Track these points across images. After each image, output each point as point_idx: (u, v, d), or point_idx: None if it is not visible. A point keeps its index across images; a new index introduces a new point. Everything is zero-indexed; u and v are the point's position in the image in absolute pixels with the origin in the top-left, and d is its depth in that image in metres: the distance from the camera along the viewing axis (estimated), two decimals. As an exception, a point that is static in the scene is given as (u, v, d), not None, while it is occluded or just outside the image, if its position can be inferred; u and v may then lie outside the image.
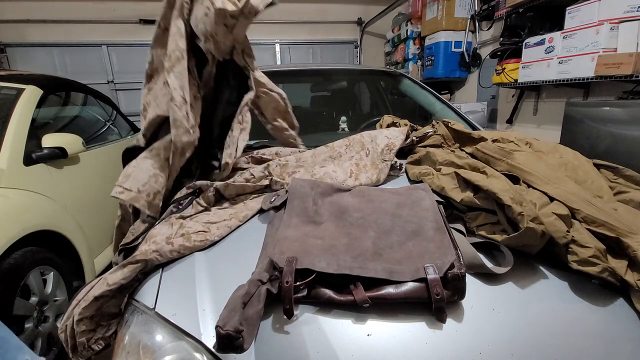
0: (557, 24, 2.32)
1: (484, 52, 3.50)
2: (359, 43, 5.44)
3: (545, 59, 2.32)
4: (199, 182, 0.97)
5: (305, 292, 0.63)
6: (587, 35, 2.01)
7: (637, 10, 1.81)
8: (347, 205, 0.85)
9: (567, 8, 2.16)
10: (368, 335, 0.59)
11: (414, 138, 1.26)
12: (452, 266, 0.62)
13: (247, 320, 0.56)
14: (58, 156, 1.84)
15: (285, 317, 0.61)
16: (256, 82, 1.17)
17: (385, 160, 1.12)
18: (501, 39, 2.88)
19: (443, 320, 0.60)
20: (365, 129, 1.56)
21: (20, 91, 1.92)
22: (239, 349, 0.54)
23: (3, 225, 1.41)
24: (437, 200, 0.85)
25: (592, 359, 0.57)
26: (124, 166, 0.97)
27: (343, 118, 1.92)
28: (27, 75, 2.23)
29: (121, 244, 0.89)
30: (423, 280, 0.61)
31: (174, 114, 0.93)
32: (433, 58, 3.83)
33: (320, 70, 2.30)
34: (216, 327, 0.54)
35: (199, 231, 0.82)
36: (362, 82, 2.56)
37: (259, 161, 1.17)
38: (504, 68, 2.74)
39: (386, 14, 4.71)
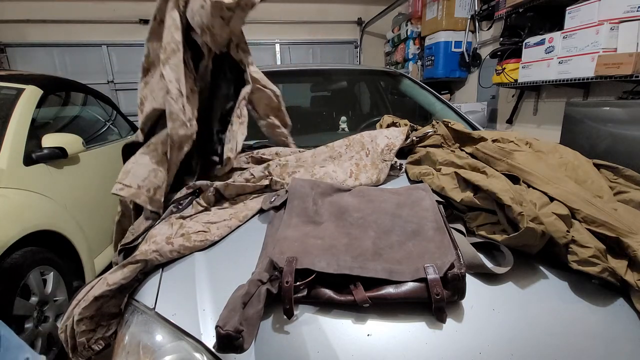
0: (557, 24, 2.32)
1: (484, 52, 3.50)
2: (359, 43, 5.44)
3: (545, 59, 2.32)
4: (199, 182, 0.96)
5: (305, 292, 0.63)
6: (587, 35, 2.01)
7: (637, 10, 1.81)
8: (347, 205, 0.85)
9: (567, 8, 2.16)
10: (368, 335, 0.59)
11: (414, 138, 1.26)
12: (452, 266, 0.62)
13: (247, 320, 0.56)
14: (58, 156, 1.84)
15: (285, 317, 0.61)
16: (251, 77, 1.17)
17: (385, 160, 1.12)
18: (501, 39, 2.88)
19: (443, 320, 0.60)
20: (365, 129, 1.56)
21: (20, 91, 1.92)
22: (239, 349, 0.54)
23: (3, 225, 1.41)
24: (437, 200, 0.85)
25: (592, 359, 0.57)
26: (124, 162, 0.96)
27: (343, 118, 1.92)
28: (27, 75, 2.23)
29: (121, 244, 0.89)
30: (423, 280, 0.61)
31: (170, 107, 0.91)
32: (433, 58, 3.83)
33: (320, 70, 2.30)
34: (216, 327, 0.54)
35: (199, 231, 0.82)
36: (362, 82, 2.56)
37: (259, 161, 1.17)
38: (504, 68, 2.74)
39: (386, 14, 4.71)
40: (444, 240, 0.70)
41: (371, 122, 1.79)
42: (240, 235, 0.87)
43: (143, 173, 0.91)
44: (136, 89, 1.02)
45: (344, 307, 0.63)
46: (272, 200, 0.92)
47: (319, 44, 5.31)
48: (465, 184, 0.86)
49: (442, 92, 4.01)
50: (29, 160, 1.72)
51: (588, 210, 0.73)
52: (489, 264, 0.70)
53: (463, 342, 0.58)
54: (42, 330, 1.57)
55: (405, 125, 1.45)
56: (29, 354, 0.92)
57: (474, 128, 1.68)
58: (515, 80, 2.64)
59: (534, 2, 2.40)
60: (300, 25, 5.11)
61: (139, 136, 1.01)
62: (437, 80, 3.94)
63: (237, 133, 1.08)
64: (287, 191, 0.92)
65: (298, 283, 0.61)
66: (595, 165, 0.97)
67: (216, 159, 1.12)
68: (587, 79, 2.04)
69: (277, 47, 5.18)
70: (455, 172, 0.90)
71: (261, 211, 0.94)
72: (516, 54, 2.66)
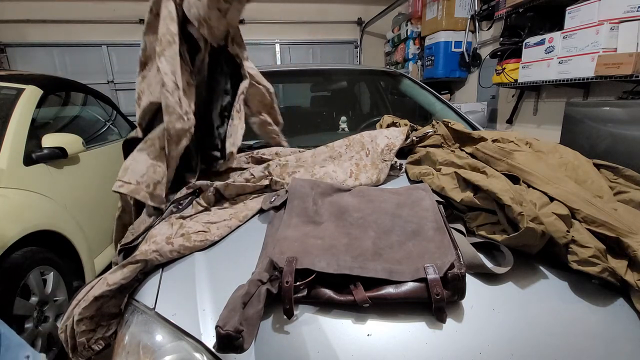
0: (557, 24, 2.32)
1: (484, 52, 3.50)
2: (359, 43, 5.44)
3: (545, 59, 2.32)
4: (199, 182, 0.96)
5: (305, 292, 0.63)
6: (587, 35, 2.01)
7: (637, 10, 1.81)
8: (347, 205, 0.85)
9: (567, 8, 2.16)
10: (368, 335, 0.59)
11: (414, 138, 1.26)
12: (452, 266, 0.62)
13: (247, 320, 0.56)
14: (58, 156, 1.84)
15: (285, 317, 0.61)
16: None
17: (385, 160, 1.12)
18: (501, 39, 2.88)
19: (443, 320, 0.60)
20: (365, 129, 1.56)
21: (20, 91, 1.92)
22: (239, 349, 0.54)
23: (3, 225, 1.41)
24: (437, 200, 0.85)
25: (592, 359, 0.57)
26: (125, 158, 0.96)
27: (343, 118, 1.92)
28: (27, 75, 2.23)
29: (121, 244, 0.89)
30: (423, 280, 0.61)
31: (166, 100, 0.90)
32: (433, 58, 3.83)
33: (320, 70, 2.30)
34: (216, 327, 0.54)
35: (199, 231, 0.82)
36: (362, 82, 2.56)
37: (259, 161, 1.17)
38: (504, 68, 2.74)
39: (386, 14, 4.71)
40: (444, 240, 0.70)
41: (371, 122, 1.79)
42: (240, 235, 0.87)
43: (141, 169, 0.91)
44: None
45: (344, 307, 0.63)
46: (272, 200, 0.92)
47: (319, 44, 5.31)
48: (465, 184, 0.86)
49: (442, 92, 4.01)
50: (29, 160, 1.72)
51: (588, 210, 0.73)
52: (489, 264, 0.70)
53: (463, 342, 0.58)
54: (42, 330, 1.57)
55: (405, 125, 1.45)
56: (29, 352, 0.93)
57: (474, 128, 1.68)
58: (515, 80, 2.64)
59: (534, 2, 2.40)
60: (300, 25, 5.11)
61: (138, 132, 1.00)
62: (437, 80, 3.94)
63: (237, 127, 1.07)
64: (287, 191, 0.92)
65: (298, 283, 0.61)
66: (595, 165, 0.97)
67: (217, 154, 1.11)
68: (587, 79, 2.04)
69: (277, 47, 5.18)
70: (455, 172, 0.90)
71: (261, 211, 0.94)
72: (516, 54, 2.66)
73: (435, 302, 0.59)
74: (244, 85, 1.12)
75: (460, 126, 1.22)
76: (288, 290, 0.60)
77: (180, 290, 0.70)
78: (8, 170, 1.60)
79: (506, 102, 3.23)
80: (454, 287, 0.61)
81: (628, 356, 0.58)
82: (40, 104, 1.97)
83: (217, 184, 0.95)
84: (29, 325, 1.49)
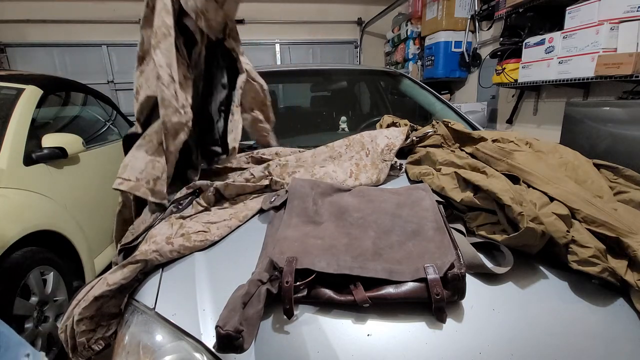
0: (557, 24, 2.32)
1: (484, 52, 3.50)
2: (359, 43, 5.44)
3: (545, 59, 2.32)
4: (199, 182, 0.96)
5: (305, 292, 0.63)
6: (587, 35, 2.01)
7: (637, 10, 1.81)
8: (347, 205, 0.85)
9: (567, 8, 2.16)
10: (368, 335, 0.59)
11: (414, 138, 1.26)
12: (452, 266, 0.62)
13: (247, 320, 0.56)
14: (58, 156, 1.84)
15: (285, 317, 0.61)
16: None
17: (385, 160, 1.12)
18: (501, 39, 2.88)
19: (443, 320, 0.60)
20: (365, 129, 1.56)
21: (20, 91, 1.92)
22: (239, 349, 0.54)
23: (3, 225, 1.41)
24: (437, 200, 0.85)
25: (592, 359, 0.57)
26: (125, 154, 0.95)
27: (343, 118, 1.92)
28: (27, 75, 2.23)
29: (121, 244, 0.89)
30: (423, 280, 0.61)
31: (162, 93, 0.89)
32: (433, 58, 3.83)
33: (320, 70, 2.30)
34: (216, 327, 0.54)
35: (199, 231, 0.82)
36: (362, 82, 2.56)
37: (259, 161, 1.17)
38: (504, 68, 2.75)
39: (386, 14, 4.71)
40: (444, 240, 0.70)
41: (371, 122, 1.79)
42: (240, 235, 0.87)
43: (140, 165, 0.90)
44: (136, 89, 1.01)
45: (344, 307, 0.63)
46: (272, 200, 0.92)
47: (319, 44, 5.31)
48: (465, 184, 0.86)
49: (442, 92, 4.01)
50: (29, 160, 1.72)
51: (588, 210, 0.73)
52: (489, 264, 0.70)
53: (463, 342, 0.58)
54: (42, 330, 1.57)
55: (405, 125, 1.45)
56: (29, 350, 0.93)
57: (474, 128, 1.68)
58: (515, 80, 2.64)
59: (534, 2, 2.40)
60: (300, 25, 5.11)
61: (137, 127, 1.00)
62: (437, 80, 3.94)
63: (238, 122, 1.07)
64: (287, 191, 0.92)
65: (298, 283, 0.61)
66: (595, 165, 0.97)
67: (217, 149, 1.11)
68: (587, 79, 2.04)
69: (277, 47, 5.18)
70: (455, 172, 0.90)
71: (261, 211, 0.94)
72: (516, 54, 2.66)
73: (435, 302, 0.59)
74: (241, 79, 1.11)
75: (460, 126, 1.22)
76: (288, 290, 0.60)
77: (180, 290, 0.70)
78: (8, 170, 1.60)
79: (506, 102, 3.23)
80: (454, 287, 0.61)
81: (628, 356, 0.58)
82: (40, 104, 1.97)
83: (217, 184, 0.95)
84: (29, 325, 1.49)
